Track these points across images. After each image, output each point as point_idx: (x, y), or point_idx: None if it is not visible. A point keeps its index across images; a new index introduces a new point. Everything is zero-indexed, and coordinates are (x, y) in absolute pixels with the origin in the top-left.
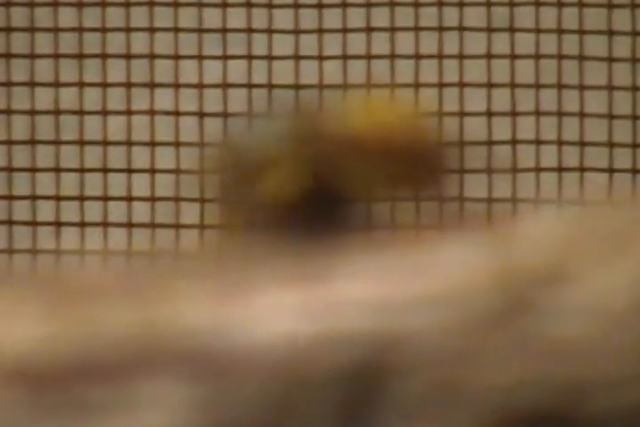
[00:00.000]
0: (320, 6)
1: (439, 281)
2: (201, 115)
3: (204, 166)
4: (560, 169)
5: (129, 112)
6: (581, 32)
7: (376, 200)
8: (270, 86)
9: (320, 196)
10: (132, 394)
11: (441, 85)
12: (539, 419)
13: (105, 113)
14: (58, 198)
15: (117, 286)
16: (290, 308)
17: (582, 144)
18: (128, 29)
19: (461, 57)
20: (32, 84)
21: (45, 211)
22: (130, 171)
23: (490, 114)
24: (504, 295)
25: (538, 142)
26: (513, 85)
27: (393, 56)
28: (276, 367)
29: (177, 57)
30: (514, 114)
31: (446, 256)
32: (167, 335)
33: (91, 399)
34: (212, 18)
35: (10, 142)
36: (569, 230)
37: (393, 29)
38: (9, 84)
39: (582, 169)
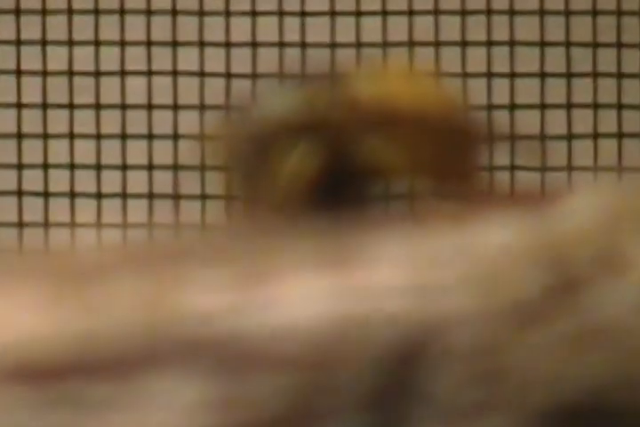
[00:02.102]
0: None
1: (480, 263)
2: (228, 75)
3: (217, 134)
4: (620, 135)
5: (150, 73)
6: None
7: (400, 184)
8: (303, 45)
9: (340, 174)
10: (140, 391)
11: (490, 74)
12: (586, 413)
13: (123, 74)
14: (72, 167)
15: (126, 267)
16: (318, 291)
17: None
18: None
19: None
20: (44, 43)
21: (59, 181)
22: (150, 136)
23: (543, 75)
24: (552, 276)
25: (595, 106)
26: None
27: (437, 12)
28: (302, 356)
29: (202, 13)
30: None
31: (484, 237)
32: (180, 324)
33: (95, 397)
34: None
35: (19, 106)
36: (620, 203)
37: None
38: (18, 42)
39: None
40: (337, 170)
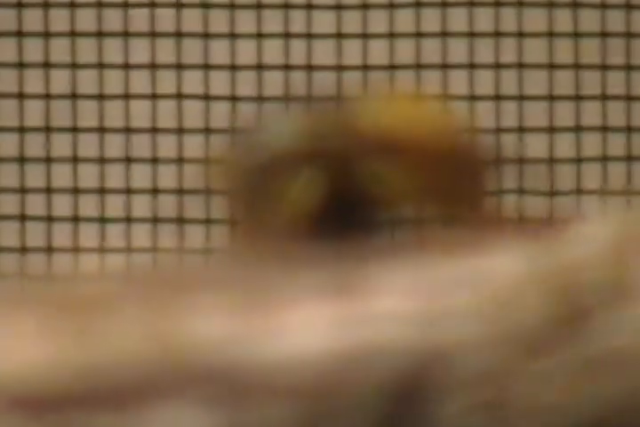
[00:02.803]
0: None
1: (485, 292)
2: (234, 98)
3: (221, 159)
4: (629, 158)
5: (154, 96)
6: None
7: (404, 212)
8: (309, 67)
9: (343, 202)
10: (141, 421)
11: (498, 97)
12: None
13: (128, 97)
14: (75, 191)
15: (128, 295)
16: (322, 320)
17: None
18: (153, 4)
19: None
20: (47, 66)
21: (62, 204)
22: (154, 160)
23: (552, 97)
24: (557, 306)
25: (604, 129)
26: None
27: (445, 34)
28: (306, 386)
29: (206, 35)
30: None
31: (490, 264)
32: (183, 353)
33: None
34: None
35: (22, 129)
36: (629, 230)
37: (444, 4)
38: (21, 65)
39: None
40: (341, 197)
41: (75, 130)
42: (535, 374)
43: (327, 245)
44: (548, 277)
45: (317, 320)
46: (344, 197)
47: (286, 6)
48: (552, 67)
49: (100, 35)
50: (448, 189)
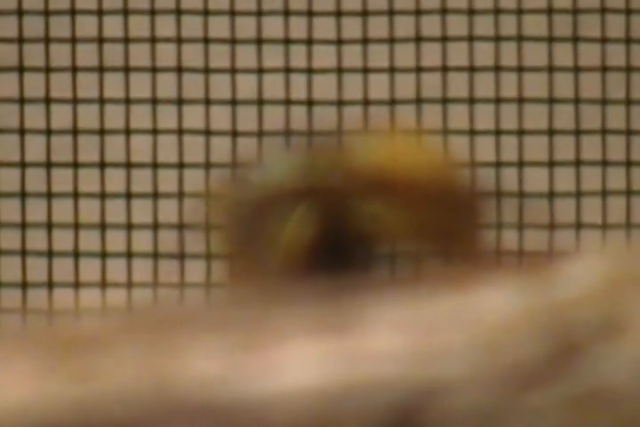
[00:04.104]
0: (365, 14)
1: (476, 328)
2: (234, 134)
3: (217, 195)
4: (628, 192)
5: (155, 131)
6: None
7: (400, 248)
8: (310, 102)
9: (338, 239)
10: None
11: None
12: None
13: (128, 132)
14: (76, 226)
15: (124, 333)
16: (314, 358)
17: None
18: (153, 40)
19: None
20: (47, 101)
21: (63, 240)
22: (156, 195)
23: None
24: (547, 342)
25: (604, 163)
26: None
27: (445, 69)
28: (299, 422)
29: (207, 70)
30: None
31: (483, 301)
32: (177, 391)
33: None
34: (246, 26)
35: (23, 164)
36: (621, 266)
37: (445, 39)
38: (22, 100)
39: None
40: (336, 235)
41: (75, 165)
42: (528, 410)
43: (321, 281)
44: (541, 314)
45: (310, 357)
46: (339, 234)
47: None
48: (552, 101)
49: (101, 70)
50: (443, 225)
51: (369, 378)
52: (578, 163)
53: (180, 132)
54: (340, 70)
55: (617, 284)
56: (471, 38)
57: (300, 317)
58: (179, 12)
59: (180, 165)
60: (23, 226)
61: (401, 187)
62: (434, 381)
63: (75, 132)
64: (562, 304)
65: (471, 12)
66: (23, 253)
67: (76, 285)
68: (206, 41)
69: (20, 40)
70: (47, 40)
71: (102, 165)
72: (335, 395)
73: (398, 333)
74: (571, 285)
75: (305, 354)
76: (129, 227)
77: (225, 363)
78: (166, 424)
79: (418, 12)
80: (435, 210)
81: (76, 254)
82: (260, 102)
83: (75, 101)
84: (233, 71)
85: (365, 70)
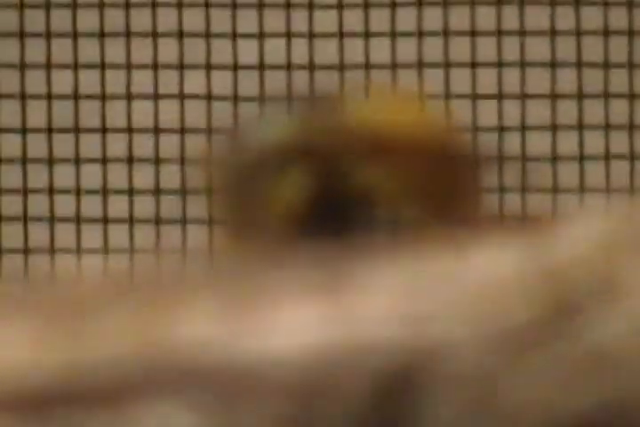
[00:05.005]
0: None
1: (471, 290)
2: (235, 98)
3: (209, 159)
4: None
5: (156, 96)
6: None
7: (397, 212)
8: (311, 67)
9: (334, 202)
10: (133, 420)
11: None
12: None
13: (130, 97)
14: (78, 192)
15: (114, 294)
16: (309, 321)
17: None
18: (154, 4)
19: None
20: (48, 66)
21: (64, 205)
22: (157, 161)
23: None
24: (544, 304)
25: (580, 127)
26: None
27: (446, 33)
28: (292, 386)
29: (208, 35)
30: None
31: (479, 263)
32: (169, 353)
33: (87, 426)
34: None
35: (24, 130)
36: (619, 228)
37: (446, 3)
38: (23, 65)
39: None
40: (332, 198)
41: (77, 130)
42: (524, 372)
43: (314, 244)
44: (536, 275)
45: (304, 320)
46: (332, 196)
47: (288, 6)
48: (554, 65)
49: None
50: (442, 189)
51: (365, 340)
52: (580, 127)
53: (182, 97)
54: (341, 35)
55: (615, 245)
56: (473, 2)
57: (296, 279)
58: None
59: (182, 131)
60: (25, 192)
61: (399, 150)
62: (430, 343)
63: (76, 97)
64: (559, 265)
65: None
66: (25, 218)
67: (78, 250)
68: (207, 5)
69: (22, 6)
70: (48, 6)
71: (104, 131)
72: (330, 357)
73: (394, 295)
74: (568, 246)
75: (300, 316)
76: (131, 192)
77: (218, 325)
78: (159, 387)
79: None
80: (433, 173)
81: (78, 220)
82: (262, 67)
83: (76, 67)
84: (234, 36)
85: (367, 35)
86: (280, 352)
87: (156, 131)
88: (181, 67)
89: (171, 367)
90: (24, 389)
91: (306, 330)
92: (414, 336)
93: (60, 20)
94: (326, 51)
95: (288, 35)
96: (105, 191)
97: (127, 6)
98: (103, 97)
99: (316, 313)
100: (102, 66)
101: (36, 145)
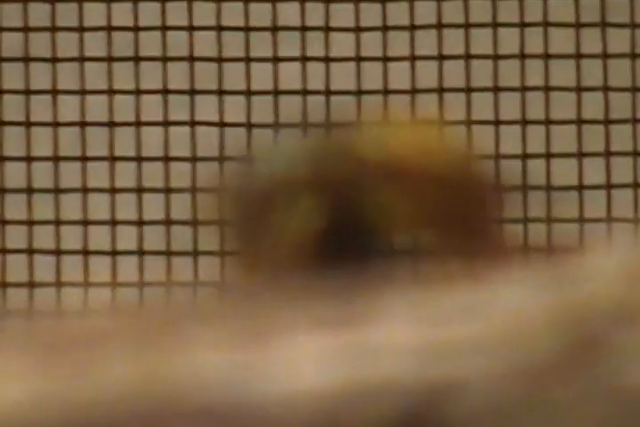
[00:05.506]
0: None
1: (493, 323)
2: (249, 125)
3: (220, 188)
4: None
5: (166, 123)
6: None
7: (412, 241)
8: (328, 92)
9: (348, 231)
10: None
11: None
12: None
13: (139, 124)
14: (85, 223)
15: (119, 331)
16: (319, 356)
17: None
18: (164, 28)
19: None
20: (55, 92)
21: (71, 237)
22: (168, 191)
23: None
24: (569, 338)
25: (608, 154)
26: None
27: (468, 56)
28: (307, 424)
29: (220, 59)
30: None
31: (501, 295)
32: (176, 391)
33: None
34: (261, 13)
35: (29, 159)
36: None
37: (468, 26)
38: (28, 91)
39: None
40: (342, 226)
41: (84, 159)
42: (548, 408)
43: (328, 274)
44: (559, 308)
45: (316, 354)
46: (345, 226)
47: (304, 29)
48: (580, 89)
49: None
50: (454, 216)
51: (382, 376)
52: (608, 154)
53: (193, 124)
54: (359, 59)
55: (635, 276)
56: (495, 25)
57: (308, 312)
58: None
59: (193, 159)
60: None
61: (415, 177)
62: (449, 377)
63: (83, 124)
64: (581, 298)
65: None
66: (30, 251)
67: (86, 284)
68: (220, 29)
69: (26, 29)
70: (54, 29)
71: (112, 159)
72: (347, 395)
73: (412, 328)
74: (591, 279)
75: (314, 351)
76: (140, 223)
77: (229, 361)
78: (164, 424)
79: None
80: (450, 201)
81: (86, 252)
82: (276, 93)
83: (83, 93)
84: (247, 60)
85: (385, 59)
86: (291, 390)
87: (167, 159)
88: (192, 92)
89: (175, 407)
90: (25, 426)
91: (320, 366)
92: (433, 371)
93: (67, 44)
94: (343, 75)
95: (303, 58)
96: (114, 222)
97: (136, 29)
98: (111, 124)
99: (331, 347)
100: (110, 91)
101: (42, 174)
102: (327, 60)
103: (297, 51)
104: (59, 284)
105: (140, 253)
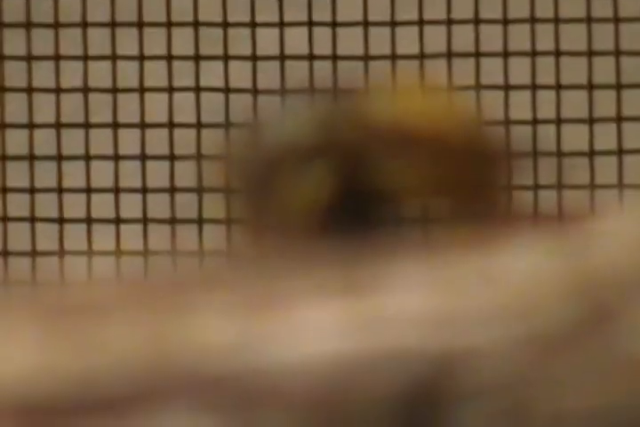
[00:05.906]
0: None
1: (506, 291)
2: (255, 91)
3: (227, 155)
4: None
5: (170, 89)
6: None
7: (422, 208)
8: (334, 57)
9: (357, 198)
10: None
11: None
12: None
13: (143, 90)
14: (88, 191)
15: (128, 298)
16: (332, 323)
17: None
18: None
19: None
20: (57, 58)
21: (74, 205)
22: (173, 157)
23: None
24: (583, 305)
25: (618, 119)
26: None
27: (477, 21)
28: (315, 394)
29: (226, 24)
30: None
31: (514, 262)
32: (184, 358)
33: None
34: None
35: (31, 126)
36: None
37: None
38: (30, 57)
39: None
40: (352, 193)
41: (88, 126)
42: (560, 377)
43: (338, 241)
44: (572, 276)
45: (327, 322)
46: (356, 192)
47: None
48: (591, 53)
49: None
50: (464, 182)
51: (391, 344)
52: (619, 119)
53: (198, 90)
54: (366, 23)
55: None
56: None
57: (318, 280)
58: None
59: (199, 126)
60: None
61: (425, 143)
62: (460, 346)
63: (86, 90)
64: (594, 266)
65: None
66: (32, 219)
67: (89, 252)
68: None
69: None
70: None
71: (116, 126)
72: (355, 363)
73: (421, 296)
74: (604, 246)
75: (321, 319)
76: (144, 191)
77: (237, 329)
78: (172, 392)
79: None
80: (460, 167)
81: (89, 220)
82: (283, 58)
83: (86, 59)
84: (253, 25)
85: (393, 23)
86: (301, 358)
87: (171, 126)
88: (197, 58)
89: (185, 372)
90: (33, 395)
91: (329, 334)
92: (445, 339)
93: (70, 8)
94: (350, 40)
95: (310, 23)
96: (117, 190)
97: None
98: (115, 90)
99: (340, 315)
100: (114, 57)
101: (44, 141)
102: (334, 24)
103: (304, 15)
104: (62, 252)
105: (145, 221)
